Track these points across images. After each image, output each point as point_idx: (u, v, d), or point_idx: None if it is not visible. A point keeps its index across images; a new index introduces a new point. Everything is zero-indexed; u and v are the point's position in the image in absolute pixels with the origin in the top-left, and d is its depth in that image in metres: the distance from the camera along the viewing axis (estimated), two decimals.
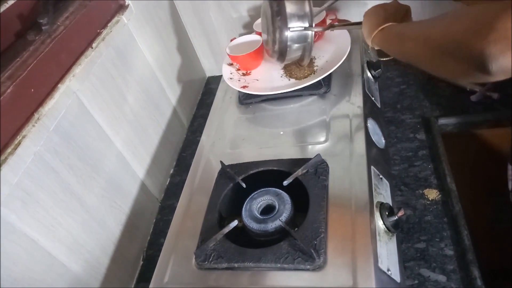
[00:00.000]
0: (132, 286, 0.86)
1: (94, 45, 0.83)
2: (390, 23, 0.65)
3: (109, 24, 0.88)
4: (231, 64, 1.01)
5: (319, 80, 0.87)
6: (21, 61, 0.66)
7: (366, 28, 0.69)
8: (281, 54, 0.81)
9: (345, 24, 0.78)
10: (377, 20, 0.67)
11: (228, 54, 0.98)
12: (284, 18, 0.77)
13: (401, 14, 0.68)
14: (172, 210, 0.79)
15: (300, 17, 0.77)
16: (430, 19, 0.53)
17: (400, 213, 0.66)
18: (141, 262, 0.90)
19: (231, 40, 1.03)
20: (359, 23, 0.72)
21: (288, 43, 0.79)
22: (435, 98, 0.98)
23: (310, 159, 0.73)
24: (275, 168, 0.77)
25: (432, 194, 0.79)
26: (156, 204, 1.00)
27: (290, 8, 0.76)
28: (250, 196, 0.73)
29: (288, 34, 0.77)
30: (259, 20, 1.05)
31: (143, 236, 0.93)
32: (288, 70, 0.93)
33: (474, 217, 0.79)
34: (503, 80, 0.43)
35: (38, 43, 0.70)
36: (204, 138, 0.93)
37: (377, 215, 0.66)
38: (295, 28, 0.76)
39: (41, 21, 0.71)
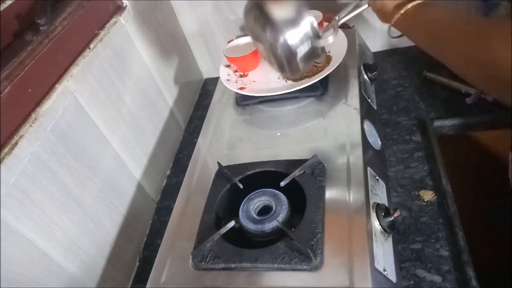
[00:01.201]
0: (128, 287, 0.86)
1: (91, 45, 0.83)
2: (417, 1, 0.53)
3: (106, 25, 0.89)
4: (228, 66, 1.02)
5: (316, 82, 0.88)
6: (19, 61, 0.66)
7: (385, 9, 0.57)
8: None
9: (350, 12, 0.67)
10: None
11: (226, 56, 0.98)
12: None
13: None
14: (169, 211, 0.79)
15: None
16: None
17: (396, 214, 0.66)
18: (137, 263, 0.90)
19: (229, 42, 1.03)
20: (366, 4, 0.63)
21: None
22: (431, 100, 0.99)
23: (307, 160, 0.74)
24: (272, 169, 0.77)
25: (428, 195, 0.80)
26: (152, 205, 1.00)
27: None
28: (247, 197, 0.73)
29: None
30: None
31: (139, 237, 0.93)
32: None
33: (469, 218, 0.79)
34: None
35: (35, 43, 0.70)
36: (201, 139, 0.93)
37: (373, 215, 0.66)
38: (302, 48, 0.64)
39: (39, 21, 0.71)
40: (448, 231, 0.73)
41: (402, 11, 0.53)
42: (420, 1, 0.52)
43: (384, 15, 0.59)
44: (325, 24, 0.98)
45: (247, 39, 1.02)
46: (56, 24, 0.75)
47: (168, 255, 0.71)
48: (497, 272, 0.86)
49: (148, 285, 0.68)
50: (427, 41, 0.52)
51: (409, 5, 0.52)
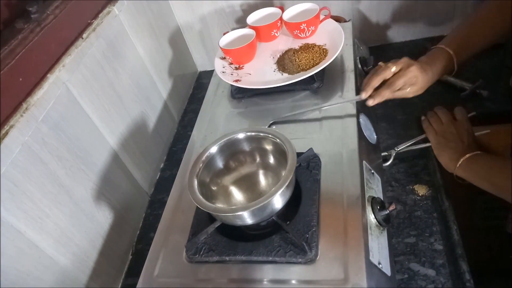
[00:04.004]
0: (121, 280, 0.85)
1: (84, 35, 0.81)
2: (475, 152, 0.68)
3: (100, 15, 0.87)
4: (223, 58, 1.01)
5: (312, 75, 0.87)
6: (9, 49, 0.65)
7: (447, 156, 0.71)
8: None
9: (410, 145, 0.82)
10: (460, 148, 0.70)
11: (221, 48, 0.97)
12: None
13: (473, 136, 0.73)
14: (162, 205, 0.78)
15: None
16: None
17: (391, 207, 0.66)
18: (130, 256, 0.89)
19: (224, 34, 1.02)
20: (426, 143, 0.76)
21: None
22: (426, 95, 0.98)
23: (302, 153, 0.73)
24: None
25: (422, 189, 0.80)
26: (145, 198, 0.99)
27: None
28: None
29: None
30: (252, 14, 1.04)
31: (132, 230, 0.92)
32: (281, 65, 0.93)
33: (463, 212, 0.80)
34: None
35: (27, 31, 0.69)
36: (195, 132, 0.92)
37: (368, 209, 0.66)
38: None
39: (30, 9, 0.70)
40: (442, 225, 0.73)
41: (458, 165, 0.69)
42: (469, 155, 0.68)
43: (445, 166, 0.73)
44: (322, 16, 0.98)
45: (243, 31, 1.01)
46: (48, 12, 0.74)
47: (161, 248, 0.70)
48: (491, 266, 0.87)
49: (141, 278, 0.67)
50: (486, 186, 0.66)
51: (461, 160, 0.68)
